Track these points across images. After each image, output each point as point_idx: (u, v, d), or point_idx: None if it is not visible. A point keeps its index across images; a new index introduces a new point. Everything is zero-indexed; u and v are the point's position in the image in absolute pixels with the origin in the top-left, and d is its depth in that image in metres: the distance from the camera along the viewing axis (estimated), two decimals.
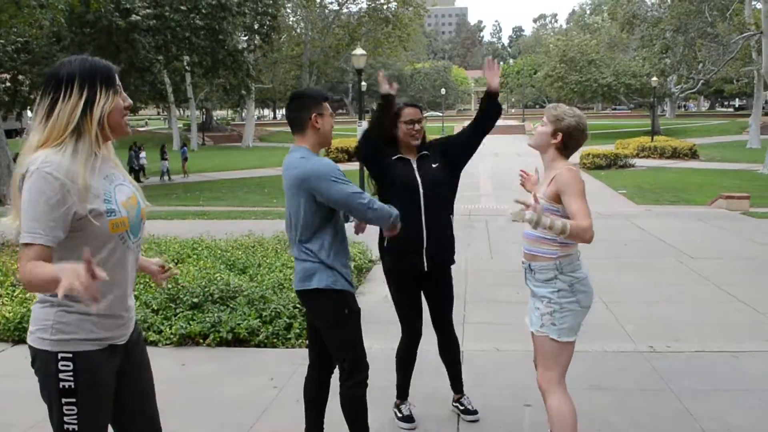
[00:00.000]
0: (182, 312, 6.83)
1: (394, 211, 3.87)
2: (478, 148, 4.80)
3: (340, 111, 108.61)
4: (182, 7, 26.87)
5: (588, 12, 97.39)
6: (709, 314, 7.49)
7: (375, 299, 7.74)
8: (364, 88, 23.39)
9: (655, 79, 46.43)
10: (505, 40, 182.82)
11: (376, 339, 6.25)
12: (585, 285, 3.85)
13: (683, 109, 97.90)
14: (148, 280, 7.52)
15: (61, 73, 2.56)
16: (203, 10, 27.13)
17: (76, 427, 2.60)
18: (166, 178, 31.65)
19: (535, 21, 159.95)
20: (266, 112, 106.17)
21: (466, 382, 5.07)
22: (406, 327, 4.76)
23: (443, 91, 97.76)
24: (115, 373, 2.73)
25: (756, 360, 6.03)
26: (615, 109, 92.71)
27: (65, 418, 2.59)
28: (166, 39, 27.66)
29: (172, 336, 6.55)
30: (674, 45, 42.15)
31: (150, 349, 6.23)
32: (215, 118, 77.18)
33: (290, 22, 56.07)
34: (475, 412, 4.87)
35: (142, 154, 32.68)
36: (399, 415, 4.85)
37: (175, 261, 8.52)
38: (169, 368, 5.91)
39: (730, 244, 11.64)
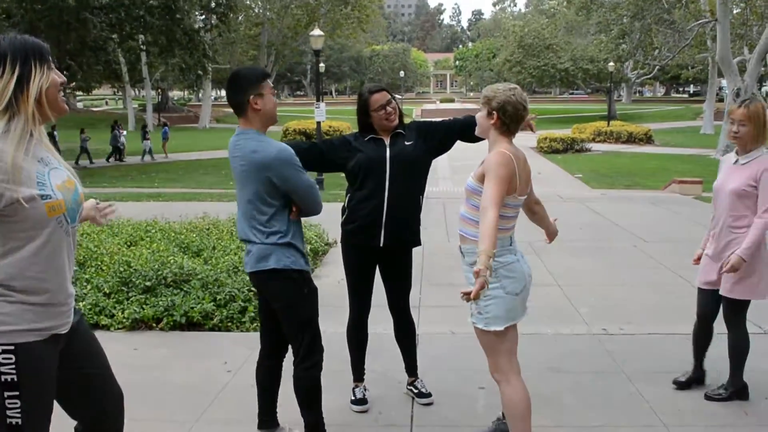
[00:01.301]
0: (135, 296, 6.72)
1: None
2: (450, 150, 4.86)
3: (298, 92, 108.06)
4: None
5: None
6: (662, 297, 7.58)
7: (330, 282, 7.70)
8: (322, 70, 23.25)
9: (612, 64, 46.86)
10: (465, 24, 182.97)
11: (330, 322, 6.21)
12: (511, 270, 3.77)
13: (639, 95, 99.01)
14: (100, 263, 7.40)
15: None
16: None
17: (19, 420, 2.52)
18: (148, 158, 31.05)
19: (494, 5, 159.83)
20: (223, 92, 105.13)
21: (422, 365, 5.07)
22: (353, 301, 4.77)
23: (402, 73, 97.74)
24: (57, 363, 2.64)
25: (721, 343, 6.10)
26: (572, 93, 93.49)
27: (8, 412, 2.50)
28: (119, 17, 27.13)
29: (124, 320, 6.44)
30: (631, 31, 42.41)
31: (102, 334, 6.16)
32: (171, 98, 76.17)
33: (248, 2, 55.39)
34: (428, 395, 4.87)
35: (123, 133, 32.03)
36: (352, 397, 4.84)
37: (128, 244, 8.38)
38: (121, 353, 5.80)
39: (682, 228, 11.80)
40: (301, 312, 3.94)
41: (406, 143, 4.56)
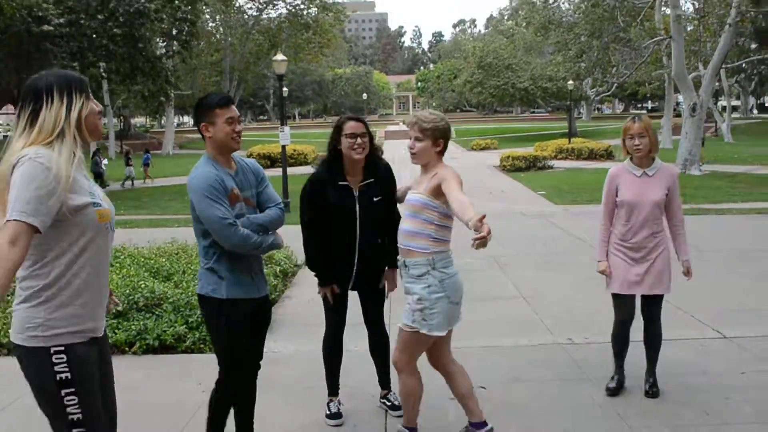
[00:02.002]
0: (107, 320, 6.74)
1: (266, 240, 3.95)
2: None
3: (262, 117, 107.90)
4: (99, 16, 26.31)
5: (505, 17, 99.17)
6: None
7: (300, 302, 7.82)
8: (285, 94, 23.36)
9: (571, 82, 47.61)
10: (425, 45, 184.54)
11: (302, 341, 6.35)
12: (455, 281, 4.18)
13: (599, 112, 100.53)
14: None
15: (39, 85, 2.84)
16: (120, 18, 26.61)
17: (80, 415, 2.79)
18: (128, 183, 30.67)
19: (454, 26, 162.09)
20: (186, 119, 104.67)
21: (394, 378, 5.19)
22: (329, 316, 4.93)
23: (365, 96, 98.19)
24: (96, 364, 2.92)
25: (671, 348, 6.27)
26: (533, 112, 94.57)
27: (68, 409, 2.77)
28: (81, 46, 27.05)
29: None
30: (589, 49, 43.20)
31: None
32: (134, 125, 75.74)
33: (209, 28, 55.41)
34: (401, 407, 4.99)
35: (104, 161, 31.75)
36: (327, 411, 4.95)
37: (114, 267, 8.40)
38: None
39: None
40: (216, 339, 4.16)
41: (375, 199, 4.68)
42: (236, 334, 4.02)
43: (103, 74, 32.45)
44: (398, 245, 4.27)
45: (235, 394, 4.26)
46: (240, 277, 4.00)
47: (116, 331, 6.56)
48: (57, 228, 2.71)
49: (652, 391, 5.25)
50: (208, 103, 3.97)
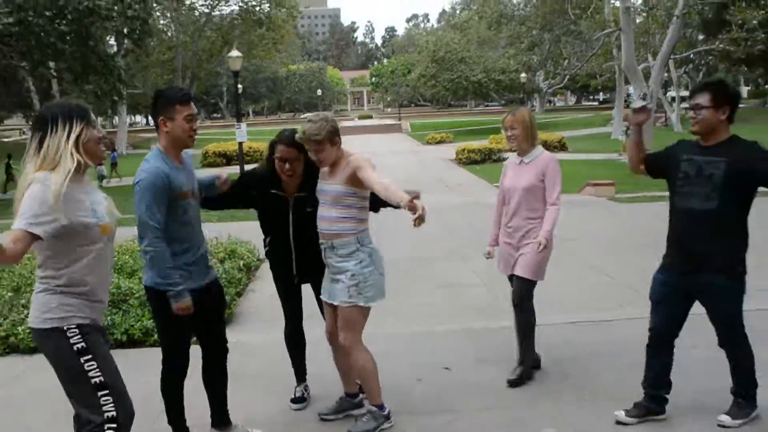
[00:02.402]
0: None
1: (172, 282, 3.97)
2: None
3: (215, 115, 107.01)
4: (47, 13, 25.91)
5: (458, 11, 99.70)
6: (582, 289, 8.06)
7: (263, 296, 7.91)
8: (240, 90, 23.35)
9: (523, 75, 48.21)
10: (379, 41, 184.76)
11: (267, 332, 6.46)
12: (380, 254, 4.59)
13: (551, 104, 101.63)
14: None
15: (45, 115, 3.31)
16: (69, 15, 26.24)
17: (101, 377, 3.25)
18: (105, 181, 30.04)
19: (407, 21, 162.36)
20: (138, 118, 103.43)
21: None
22: (286, 309, 5.09)
23: (319, 92, 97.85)
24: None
25: (624, 327, 6.57)
26: (487, 105, 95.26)
27: (90, 374, 3.23)
28: (30, 45, 26.62)
29: None
30: (540, 42, 43.86)
31: (41, 357, 6.24)
32: None
33: (160, 26, 54.83)
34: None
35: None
36: (292, 396, 5.13)
37: None
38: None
39: (597, 227, 12.40)
40: (157, 327, 4.56)
41: (308, 210, 4.63)
42: (174, 322, 4.19)
43: (53, 73, 32.02)
44: (321, 231, 4.50)
45: (173, 378, 4.44)
46: (183, 271, 4.13)
47: None
48: (69, 237, 3.21)
49: (512, 380, 5.34)
50: (168, 97, 4.07)
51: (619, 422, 4.62)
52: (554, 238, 5.34)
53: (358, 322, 4.55)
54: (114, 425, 3.25)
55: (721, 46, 33.76)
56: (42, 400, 5.45)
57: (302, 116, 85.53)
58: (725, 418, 4.54)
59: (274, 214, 4.78)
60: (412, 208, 3.76)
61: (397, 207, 4.10)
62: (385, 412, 4.66)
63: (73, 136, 3.27)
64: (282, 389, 5.22)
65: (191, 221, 4.22)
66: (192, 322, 4.30)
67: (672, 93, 59.20)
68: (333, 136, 4.40)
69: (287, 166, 4.59)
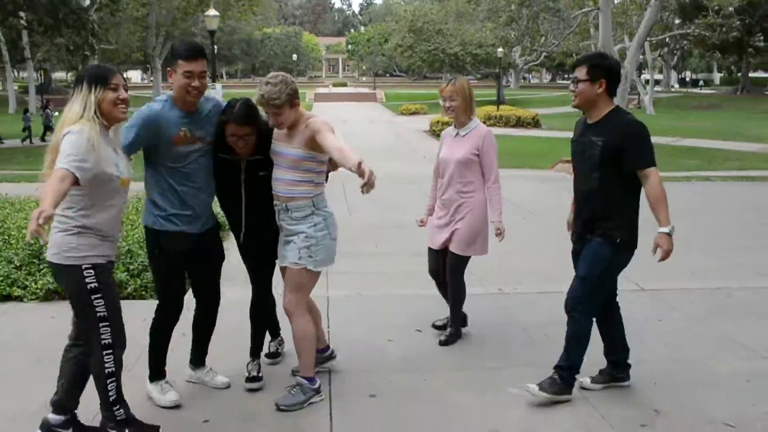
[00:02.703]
0: (46, 268, 6.77)
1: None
2: None
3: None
4: None
5: None
6: (550, 262, 8.17)
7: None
8: (214, 51, 23.14)
9: (500, 49, 48.17)
10: (356, 8, 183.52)
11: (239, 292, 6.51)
12: (334, 219, 4.56)
13: (525, 81, 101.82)
14: (6, 237, 7.42)
15: (80, 75, 3.81)
16: None
17: (105, 313, 3.75)
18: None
19: None
20: None
21: (335, 324, 5.47)
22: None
23: (294, 57, 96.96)
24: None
25: None
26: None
27: (96, 309, 3.73)
28: None
29: (38, 291, 6.56)
30: (519, 18, 43.88)
31: (14, 305, 6.30)
32: (54, 80, 73.45)
33: None
34: (276, 354, 5.26)
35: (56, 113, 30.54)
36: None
37: None
38: (38, 322, 5.96)
39: (568, 203, 12.54)
40: (151, 267, 4.69)
41: (260, 174, 4.50)
42: (168, 264, 4.41)
43: (24, 23, 31.40)
44: (276, 193, 4.42)
45: (165, 320, 4.55)
46: (175, 211, 4.30)
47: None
48: (94, 184, 3.60)
49: (442, 339, 5.56)
50: (175, 50, 4.25)
51: (583, 388, 4.75)
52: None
53: (305, 286, 4.49)
54: (110, 350, 3.81)
55: (696, 31, 34.12)
56: (15, 347, 5.53)
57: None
58: (532, 388, 4.54)
59: (226, 177, 4.53)
60: (361, 174, 3.69)
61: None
62: (316, 386, 4.56)
63: (93, 97, 3.66)
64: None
65: (193, 170, 4.30)
66: (185, 266, 4.51)
67: (646, 75, 59.64)
68: (292, 98, 4.29)
69: (241, 142, 4.34)
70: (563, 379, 4.54)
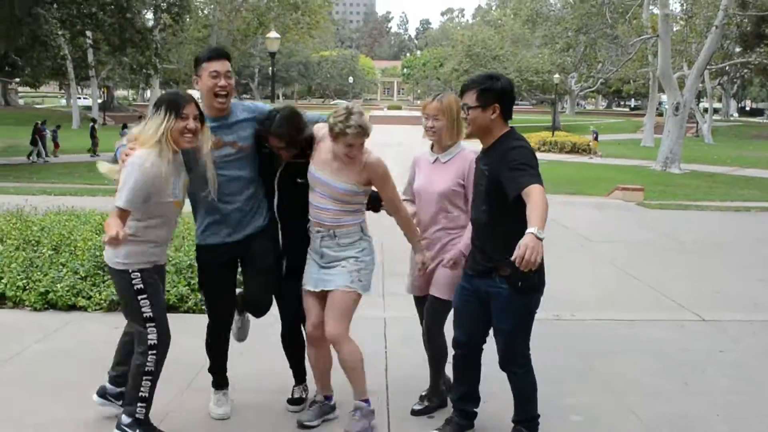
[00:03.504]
0: (111, 279, 6.94)
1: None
2: None
3: (245, 95, 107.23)
4: None
5: (493, 8, 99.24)
6: (608, 289, 8.15)
7: None
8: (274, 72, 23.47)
9: (557, 76, 47.93)
10: (412, 32, 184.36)
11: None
12: (374, 246, 4.43)
13: (579, 107, 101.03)
14: (73, 248, 7.62)
15: (157, 101, 4.01)
16: None
17: (151, 313, 4.04)
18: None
19: (442, 14, 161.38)
20: None
21: (392, 343, 5.47)
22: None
23: (351, 79, 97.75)
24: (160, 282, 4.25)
25: (649, 327, 6.69)
26: (518, 104, 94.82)
27: (143, 309, 4.02)
28: (71, 13, 26.91)
29: (102, 302, 6.71)
30: (576, 44, 43.59)
31: (79, 315, 6.44)
32: (116, 98, 75.20)
33: (197, 3, 55.08)
34: (301, 401, 4.80)
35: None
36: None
37: (98, 231, 8.56)
38: (102, 332, 6.08)
39: (625, 230, 12.44)
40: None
41: (298, 180, 4.38)
42: (204, 278, 4.53)
43: (90, 43, 32.33)
44: (318, 221, 4.28)
45: (212, 332, 4.63)
46: (211, 222, 4.37)
47: None
48: (151, 208, 3.92)
49: (417, 408, 4.74)
50: (199, 56, 4.31)
51: None
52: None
53: (351, 311, 4.30)
54: (154, 351, 4.06)
55: (757, 59, 33.46)
56: (76, 355, 5.65)
57: (333, 102, 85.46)
58: None
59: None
60: (420, 265, 4.34)
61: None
62: (372, 408, 4.42)
63: (165, 124, 3.88)
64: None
65: (224, 177, 4.25)
66: (231, 277, 4.58)
67: (705, 104, 58.77)
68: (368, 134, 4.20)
69: (283, 152, 4.30)
70: (532, 430, 4.20)
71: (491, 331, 4.15)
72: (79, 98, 59.30)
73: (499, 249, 3.86)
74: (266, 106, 4.62)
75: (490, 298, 3.98)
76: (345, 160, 4.17)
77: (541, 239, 3.45)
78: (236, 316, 4.76)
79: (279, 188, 4.43)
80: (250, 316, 4.79)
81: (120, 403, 4.31)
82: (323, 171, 4.25)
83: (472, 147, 4.39)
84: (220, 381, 4.73)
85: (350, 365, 4.30)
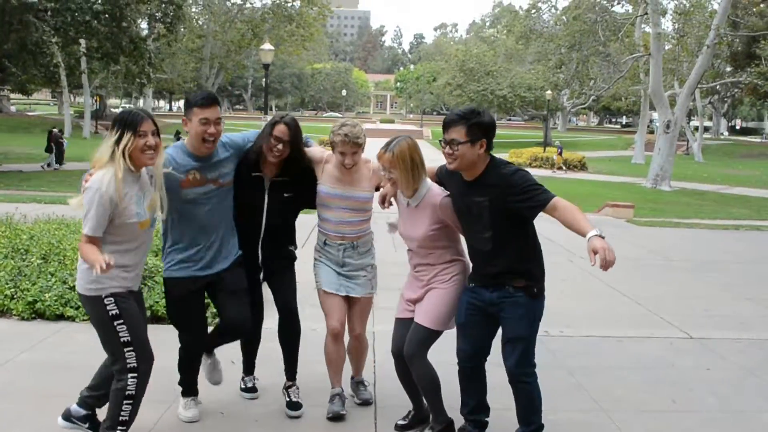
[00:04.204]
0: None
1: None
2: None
3: (238, 106, 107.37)
4: None
5: (487, 24, 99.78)
6: (597, 305, 8.16)
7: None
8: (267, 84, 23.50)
9: (549, 92, 48.16)
10: (406, 46, 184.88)
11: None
12: None
13: (570, 123, 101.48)
14: (62, 257, 7.59)
15: (114, 119, 3.93)
16: None
17: (129, 338, 3.96)
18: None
19: (436, 29, 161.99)
20: (162, 103, 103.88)
21: (381, 358, 5.47)
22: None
23: (344, 92, 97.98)
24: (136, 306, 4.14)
25: (637, 344, 6.71)
26: (510, 119, 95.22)
27: (120, 334, 3.94)
28: (65, 21, 26.81)
29: None
30: (568, 61, 43.82)
31: (66, 325, 6.41)
32: (109, 106, 75.10)
33: (192, 13, 55.13)
34: (298, 406, 4.91)
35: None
36: (241, 386, 5.27)
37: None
38: (89, 342, 5.99)
39: (615, 247, 12.23)
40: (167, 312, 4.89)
41: (285, 195, 4.68)
42: (178, 310, 4.62)
43: (84, 50, 32.24)
44: (341, 234, 4.69)
45: (187, 353, 4.76)
46: (184, 258, 4.46)
47: None
48: (115, 230, 3.88)
49: (401, 424, 4.72)
50: (190, 99, 4.41)
51: None
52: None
53: (369, 313, 4.95)
54: (135, 374, 4.00)
55: (748, 79, 33.75)
56: (63, 366, 5.61)
57: (325, 114, 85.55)
58: None
59: (249, 199, 4.66)
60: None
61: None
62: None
63: (122, 143, 3.83)
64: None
65: (203, 212, 4.42)
66: (201, 305, 4.71)
67: (695, 122, 59.12)
68: (365, 142, 4.62)
69: (280, 146, 4.48)
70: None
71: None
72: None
73: (508, 264, 4.06)
74: (238, 136, 4.76)
75: (504, 309, 4.11)
76: (342, 170, 4.58)
77: (603, 237, 3.63)
78: (205, 360, 4.86)
79: (268, 205, 4.67)
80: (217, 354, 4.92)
81: (87, 426, 4.33)
82: (337, 187, 4.66)
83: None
84: (191, 390, 4.85)
85: (364, 351, 5.06)
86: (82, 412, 4.34)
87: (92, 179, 3.81)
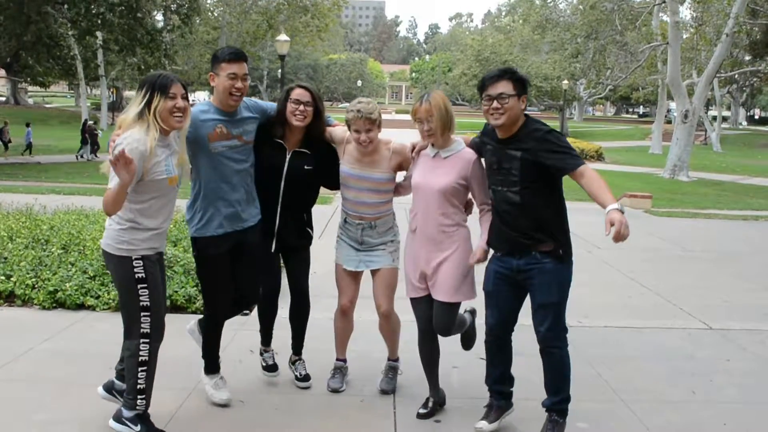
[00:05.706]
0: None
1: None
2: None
3: (253, 97, 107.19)
4: None
5: (503, 13, 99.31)
6: (616, 296, 8.14)
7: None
8: (279, 76, 23.49)
9: (566, 82, 47.88)
10: (421, 37, 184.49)
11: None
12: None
13: (590, 114, 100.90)
14: (82, 248, 7.64)
15: (142, 81, 4.06)
16: None
17: (148, 303, 4.06)
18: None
19: (451, 19, 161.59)
20: None
21: (402, 349, 5.46)
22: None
23: (359, 83, 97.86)
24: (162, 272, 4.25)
25: (656, 335, 6.69)
26: (526, 110, 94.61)
27: (141, 298, 4.05)
28: (80, 13, 26.86)
29: (110, 301, 6.74)
30: (585, 50, 43.54)
31: (87, 314, 6.45)
32: (125, 98, 75.34)
33: (207, 5, 55.10)
34: (307, 378, 5.19)
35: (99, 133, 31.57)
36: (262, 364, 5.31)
37: None
38: (110, 331, 6.09)
39: (633, 237, 12.22)
40: (197, 273, 4.93)
41: (306, 167, 4.78)
42: (208, 266, 4.65)
43: (100, 43, 32.37)
44: (360, 214, 4.79)
45: (209, 322, 4.86)
46: (214, 213, 4.54)
47: None
48: (145, 187, 3.95)
49: (422, 412, 4.74)
50: (218, 54, 4.48)
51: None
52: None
53: (395, 286, 4.86)
54: (147, 340, 4.09)
55: (767, 68, 33.43)
56: (84, 354, 5.67)
57: (340, 105, 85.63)
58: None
59: (269, 165, 4.76)
60: None
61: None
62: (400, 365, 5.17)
63: (153, 104, 3.92)
64: (314, 364, 5.33)
65: (225, 169, 4.52)
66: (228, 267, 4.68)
67: (714, 112, 58.64)
68: (381, 120, 4.66)
69: (301, 107, 4.65)
70: (563, 414, 4.39)
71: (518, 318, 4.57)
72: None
73: (531, 227, 4.14)
74: (263, 102, 4.94)
75: (532, 276, 4.21)
76: (361, 150, 4.66)
77: (623, 212, 3.75)
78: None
79: (288, 173, 4.77)
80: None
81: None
82: (356, 167, 4.74)
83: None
84: (214, 366, 4.92)
85: (394, 330, 5.03)
86: (123, 385, 4.39)
87: (121, 137, 3.86)
